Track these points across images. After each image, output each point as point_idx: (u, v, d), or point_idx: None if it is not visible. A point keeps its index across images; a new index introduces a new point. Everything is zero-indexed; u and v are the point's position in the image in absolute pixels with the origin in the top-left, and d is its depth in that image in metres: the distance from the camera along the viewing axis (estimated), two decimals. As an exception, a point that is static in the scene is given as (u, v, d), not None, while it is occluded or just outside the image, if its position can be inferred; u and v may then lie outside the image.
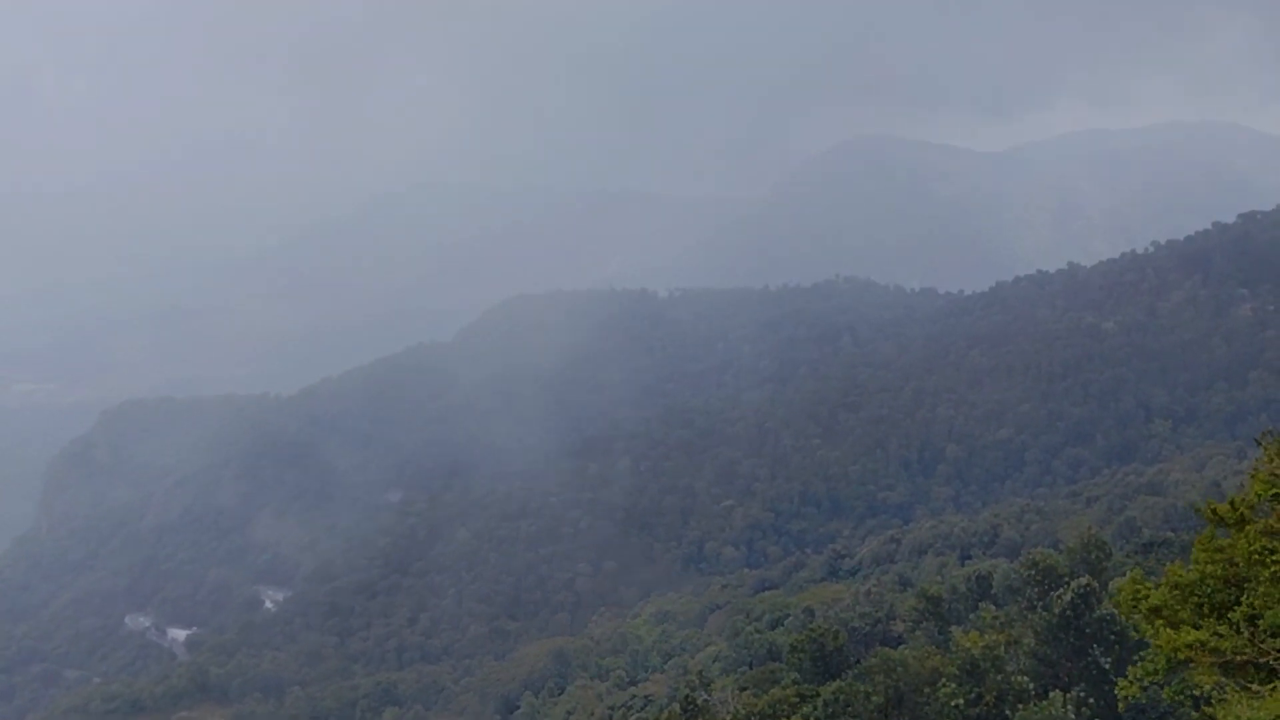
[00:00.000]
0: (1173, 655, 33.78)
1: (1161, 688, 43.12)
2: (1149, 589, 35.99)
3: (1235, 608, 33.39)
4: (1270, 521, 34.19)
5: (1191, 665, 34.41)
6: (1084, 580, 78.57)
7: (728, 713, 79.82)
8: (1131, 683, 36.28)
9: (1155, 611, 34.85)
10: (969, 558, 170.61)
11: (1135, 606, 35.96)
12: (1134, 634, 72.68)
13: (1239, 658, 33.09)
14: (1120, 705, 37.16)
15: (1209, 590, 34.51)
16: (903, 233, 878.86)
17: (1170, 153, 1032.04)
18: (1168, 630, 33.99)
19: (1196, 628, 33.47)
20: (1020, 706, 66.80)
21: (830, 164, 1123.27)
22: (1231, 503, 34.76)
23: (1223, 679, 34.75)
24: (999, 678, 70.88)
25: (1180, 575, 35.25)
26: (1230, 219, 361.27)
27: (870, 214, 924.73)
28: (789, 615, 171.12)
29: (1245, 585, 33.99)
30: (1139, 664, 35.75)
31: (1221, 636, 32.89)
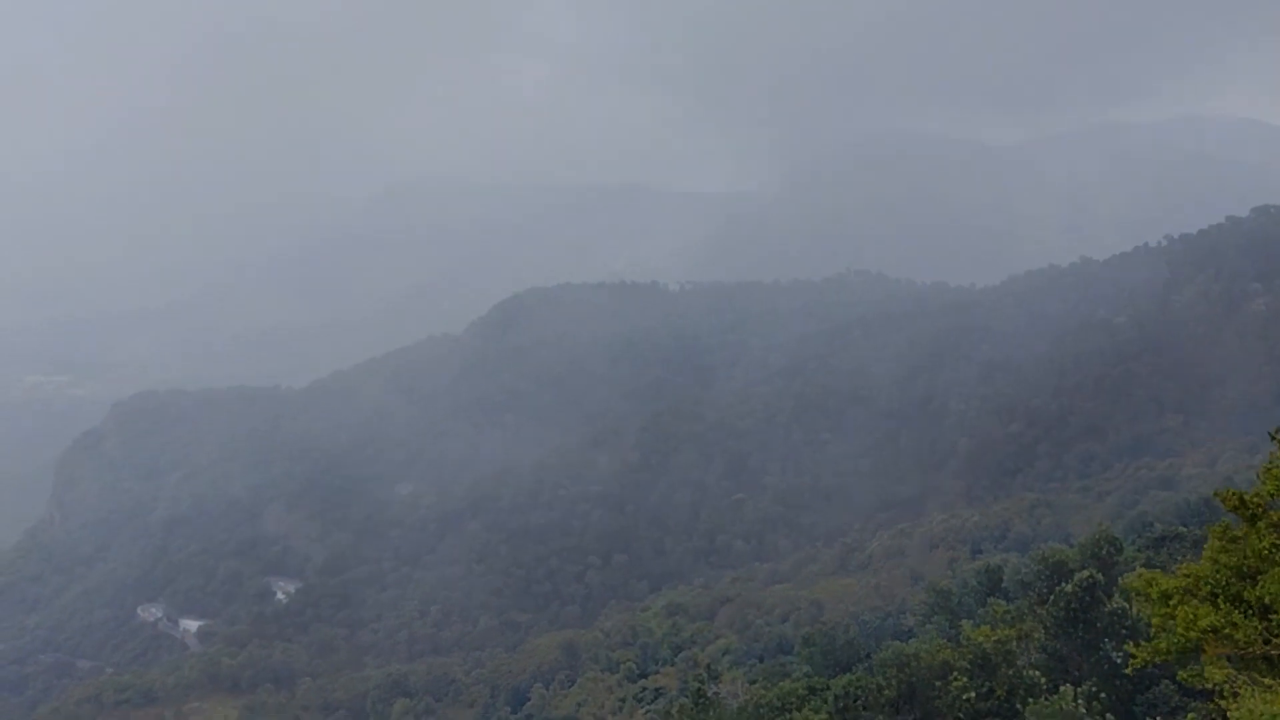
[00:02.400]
0: (1185, 638, 33.72)
1: (1174, 672, 42.89)
2: (1162, 576, 35.91)
3: (1250, 591, 33.32)
4: (1280, 515, 34.15)
5: (1204, 652, 34.39)
6: (1086, 573, 78.35)
7: (737, 705, 79.82)
8: (1143, 650, 36.02)
9: (1167, 596, 34.78)
10: (980, 552, 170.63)
11: (1147, 592, 35.86)
12: (1145, 626, 72.60)
13: (1252, 650, 33.07)
14: (1129, 668, 37.07)
15: (1223, 579, 34.43)
16: (914, 227, 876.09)
17: (1183, 147, 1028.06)
18: (1183, 608, 33.90)
19: (1214, 610, 33.37)
20: (1031, 700, 66.67)
21: (842, 158, 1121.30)
22: (1243, 498, 34.65)
23: (1234, 672, 34.72)
24: (1010, 672, 70.75)
25: (1194, 568, 35.19)
26: (1244, 213, 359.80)
27: (881, 208, 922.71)
28: (799, 609, 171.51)
29: (1259, 577, 33.91)
30: (1152, 641, 35.59)
31: (1235, 625, 32.82)
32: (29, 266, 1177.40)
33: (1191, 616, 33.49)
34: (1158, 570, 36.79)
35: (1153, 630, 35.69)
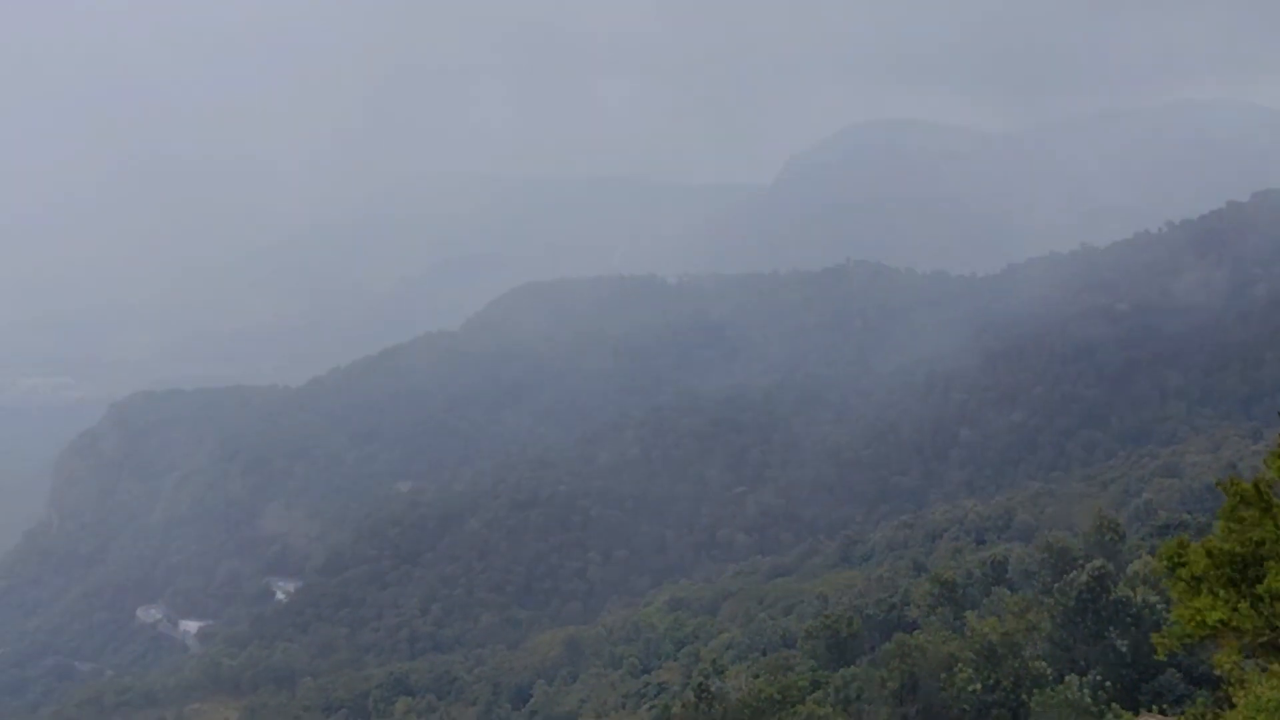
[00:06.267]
0: (1198, 629, 32.88)
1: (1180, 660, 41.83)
2: (1191, 552, 34.53)
3: (1258, 584, 32.36)
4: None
5: (1217, 641, 33.66)
6: (1098, 563, 77.26)
7: (738, 698, 78.56)
8: (1166, 638, 35.12)
9: (1197, 581, 33.65)
10: (983, 542, 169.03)
11: (1174, 571, 34.60)
12: (1150, 614, 71.44)
13: (1260, 639, 32.14)
14: (1159, 654, 36.29)
15: (1237, 562, 33.36)
16: (913, 215, 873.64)
17: (1183, 132, 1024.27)
18: (1194, 603, 32.96)
19: (1223, 602, 32.49)
20: (1036, 691, 65.47)
21: (840, 147, 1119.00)
22: (1256, 485, 33.68)
23: (1241, 660, 33.97)
24: (1016, 663, 69.58)
25: (1214, 544, 33.95)
26: (1245, 198, 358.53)
27: (880, 197, 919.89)
28: (802, 602, 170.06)
29: (1267, 563, 32.94)
30: (1173, 626, 34.60)
31: (1242, 615, 31.92)
32: (25, 269, 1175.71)
33: (1197, 612, 32.65)
34: (1188, 545, 35.32)
35: (1174, 613, 34.74)
